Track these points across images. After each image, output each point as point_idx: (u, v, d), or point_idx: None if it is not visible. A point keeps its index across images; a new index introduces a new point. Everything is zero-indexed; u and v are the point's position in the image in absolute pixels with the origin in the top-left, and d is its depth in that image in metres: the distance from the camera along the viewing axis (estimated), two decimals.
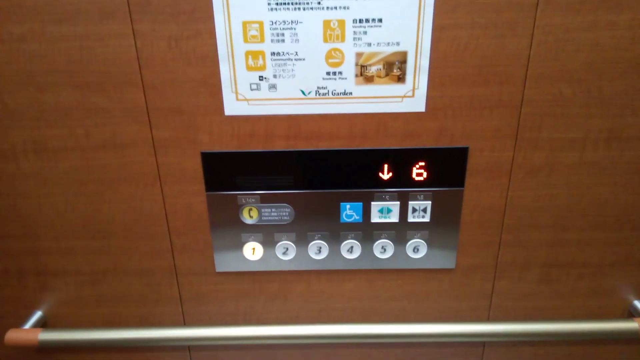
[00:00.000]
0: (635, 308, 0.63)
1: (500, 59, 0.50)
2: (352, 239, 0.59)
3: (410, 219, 0.58)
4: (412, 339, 0.61)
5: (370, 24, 0.48)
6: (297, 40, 0.49)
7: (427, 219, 0.58)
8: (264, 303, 0.64)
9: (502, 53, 0.50)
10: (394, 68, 0.50)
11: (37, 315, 0.63)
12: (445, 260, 0.60)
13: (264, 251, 0.60)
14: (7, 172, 0.55)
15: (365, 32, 0.48)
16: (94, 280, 0.62)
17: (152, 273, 0.61)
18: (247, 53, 0.49)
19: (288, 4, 0.47)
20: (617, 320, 0.60)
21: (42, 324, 0.64)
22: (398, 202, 0.57)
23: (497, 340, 0.66)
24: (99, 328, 0.61)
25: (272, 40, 0.49)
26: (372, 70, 0.50)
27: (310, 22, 0.48)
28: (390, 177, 0.56)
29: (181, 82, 0.51)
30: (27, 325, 0.61)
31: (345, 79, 0.51)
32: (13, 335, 0.59)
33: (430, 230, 0.59)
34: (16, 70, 0.50)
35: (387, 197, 0.57)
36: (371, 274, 0.62)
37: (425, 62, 0.50)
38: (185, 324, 0.65)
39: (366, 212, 0.58)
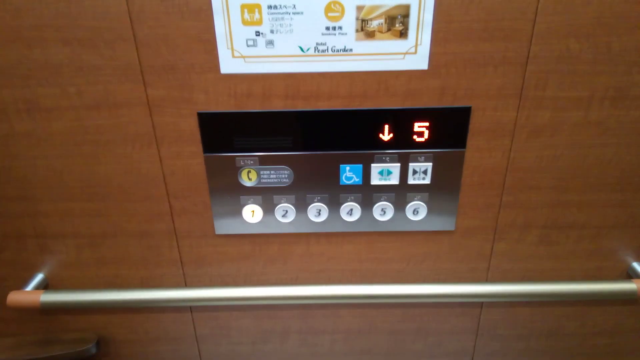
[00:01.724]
0: (633, 270, 0.63)
1: (507, 13, 0.48)
2: (351, 201, 0.59)
3: (411, 181, 0.57)
4: (411, 299, 0.62)
5: None
6: None
7: (427, 181, 0.57)
8: (264, 265, 0.64)
9: (508, 6, 0.48)
10: (396, 22, 0.48)
11: (39, 277, 0.64)
12: (444, 222, 0.60)
13: (264, 214, 0.59)
14: (1, 132, 0.54)
15: None
16: (93, 242, 0.62)
17: (152, 236, 0.61)
18: (243, 6, 0.47)
19: None
20: (616, 281, 0.61)
21: (44, 286, 0.64)
22: (398, 164, 0.56)
23: (495, 301, 0.67)
24: (101, 289, 0.61)
25: None
26: (373, 25, 0.48)
27: None
28: (390, 138, 0.55)
29: (175, 38, 0.49)
30: (29, 287, 0.62)
31: (345, 34, 0.49)
32: (15, 297, 0.59)
33: (431, 193, 0.58)
34: (2, 25, 0.48)
35: (387, 158, 0.56)
36: (371, 236, 0.62)
37: (428, 16, 0.48)
38: (186, 285, 0.65)
39: (366, 174, 0.57)
